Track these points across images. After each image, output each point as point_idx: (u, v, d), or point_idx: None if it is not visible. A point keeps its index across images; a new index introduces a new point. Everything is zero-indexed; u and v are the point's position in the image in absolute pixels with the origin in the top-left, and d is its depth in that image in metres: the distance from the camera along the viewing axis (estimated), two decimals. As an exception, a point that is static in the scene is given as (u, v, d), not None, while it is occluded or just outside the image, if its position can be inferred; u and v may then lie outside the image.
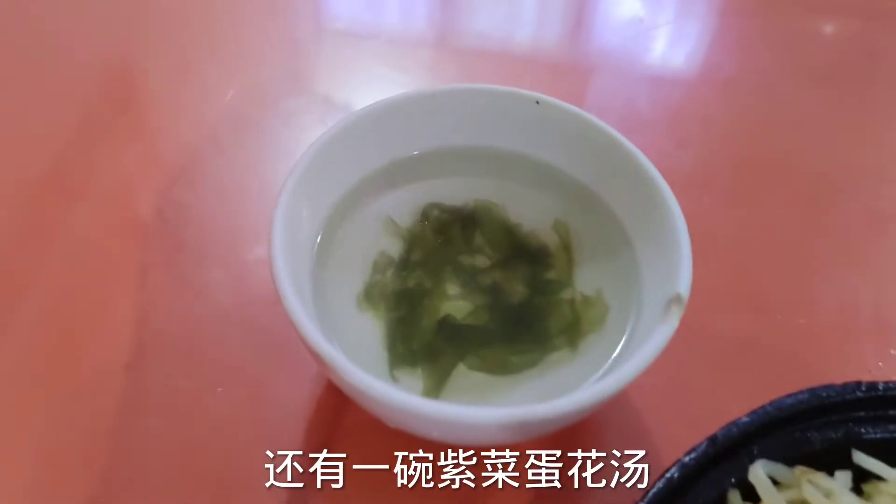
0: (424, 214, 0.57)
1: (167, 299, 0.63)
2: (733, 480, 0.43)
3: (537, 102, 0.56)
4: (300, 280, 0.50)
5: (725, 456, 0.44)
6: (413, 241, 0.56)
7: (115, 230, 0.68)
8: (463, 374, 0.50)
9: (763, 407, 0.44)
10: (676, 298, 0.46)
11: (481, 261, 0.55)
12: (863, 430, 0.45)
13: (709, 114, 0.84)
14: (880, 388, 0.46)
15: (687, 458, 0.43)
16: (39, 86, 0.80)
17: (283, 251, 0.47)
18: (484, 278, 0.55)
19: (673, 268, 0.47)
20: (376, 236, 0.56)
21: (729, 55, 0.94)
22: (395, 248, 0.56)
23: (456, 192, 0.59)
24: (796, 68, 0.89)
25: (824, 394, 0.45)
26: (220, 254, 0.67)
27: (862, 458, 0.44)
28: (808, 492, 0.42)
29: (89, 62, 0.84)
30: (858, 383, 0.45)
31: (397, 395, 0.42)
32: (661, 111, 0.84)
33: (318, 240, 0.54)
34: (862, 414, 0.46)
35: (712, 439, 0.43)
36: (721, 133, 0.81)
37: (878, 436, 0.45)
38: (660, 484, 0.42)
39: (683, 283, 0.46)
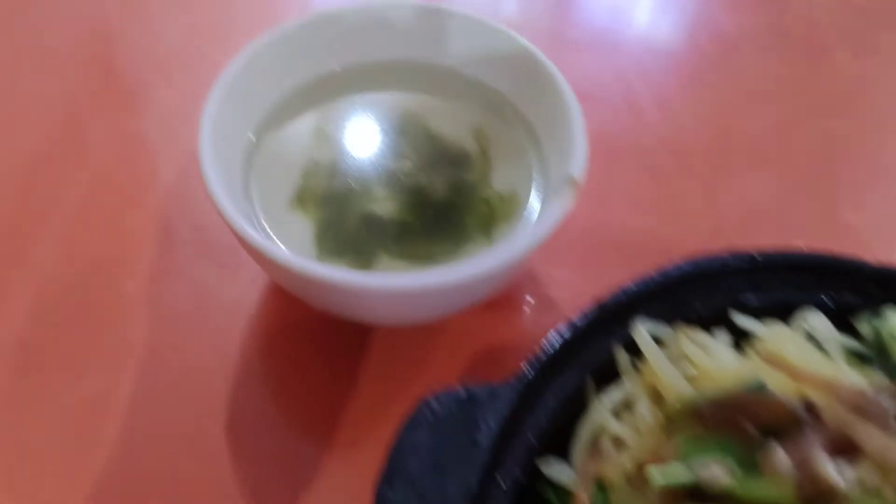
0: (353, 124, 0.61)
1: (116, 217, 0.66)
2: (621, 341, 0.48)
3: (451, 15, 0.60)
4: (232, 184, 0.54)
5: (614, 319, 0.48)
6: (342, 148, 0.60)
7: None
8: (385, 263, 0.54)
9: (650, 275, 0.49)
10: (570, 181, 0.50)
11: (406, 165, 0.60)
12: (743, 297, 0.50)
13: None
14: (759, 258, 0.50)
15: (578, 321, 0.47)
16: (24, 62, 0.80)
17: (213, 151, 0.51)
18: (408, 181, 0.59)
19: (570, 158, 0.52)
20: (307, 145, 0.60)
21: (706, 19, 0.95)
22: (325, 156, 0.60)
23: (383, 103, 0.63)
24: (763, 34, 0.89)
25: (706, 264, 0.50)
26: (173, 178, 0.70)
27: (740, 319, 0.48)
28: (686, 345, 0.47)
29: (74, 36, 0.84)
30: (739, 254, 0.50)
31: (317, 268, 0.46)
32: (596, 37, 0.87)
33: (250, 149, 0.58)
34: (743, 282, 0.50)
35: (601, 304, 0.48)
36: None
37: (758, 303, 0.50)
38: (552, 346, 0.46)
39: (577, 167, 0.51)
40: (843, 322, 0.48)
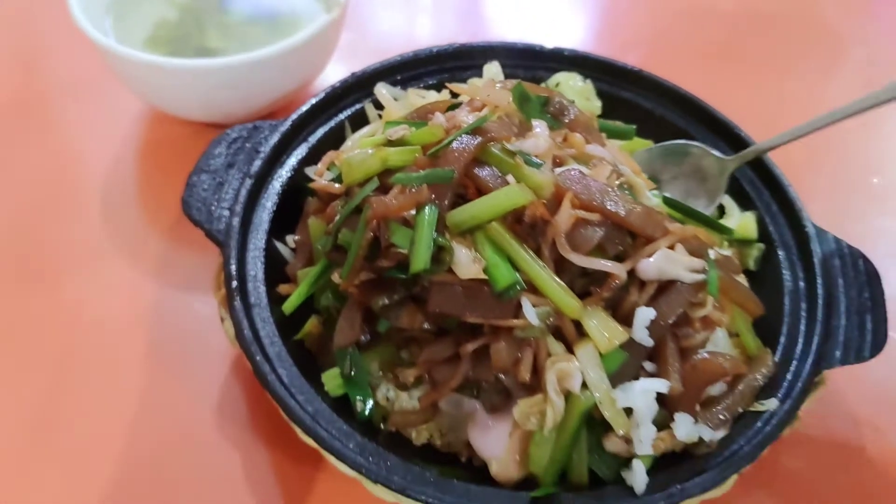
0: (196, -7, 0.82)
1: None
2: (370, 100, 0.69)
3: None
4: (95, 17, 0.73)
5: (366, 85, 0.69)
6: (185, 8, 0.80)
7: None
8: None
9: (392, 57, 0.70)
10: (338, 3, 0.71)
11: (231, 19, 0.80)
12: (459, 74, 0.71)
13: None
14: (469, 47, 0.71)
15: (336, 84, 0.68)
16: None
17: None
18: (235, 28, 0.79)
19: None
20: (158, 7, 0.80)
21: None
22: (172, 15, 0.80)
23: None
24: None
25: (431, 50, 0.71)
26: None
27: (452, 84, 0.69)
28: (413, 98, 0.68)
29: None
30: (451, 44, 0.71)
31: (124, 48, 0.67)
32: None
33: (112, 13, 0.78)
34: (460, 64, 0.71)
35: (354, 73, 0.68)
36: None
37: (467, 77, 0.71)
38: (318, 97, 0.67)
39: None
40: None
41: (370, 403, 0.53)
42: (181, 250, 0.72)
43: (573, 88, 0.69)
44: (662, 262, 0.50)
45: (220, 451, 0.60)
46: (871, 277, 0.57)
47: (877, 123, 0.88)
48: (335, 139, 0.67)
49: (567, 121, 0.58)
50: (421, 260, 0.49)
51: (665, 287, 0.51)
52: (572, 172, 0.52)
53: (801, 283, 0.59)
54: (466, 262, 0.49)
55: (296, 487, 0.58)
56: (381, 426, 0.55)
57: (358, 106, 0.68)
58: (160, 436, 0.60)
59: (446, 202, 0.51)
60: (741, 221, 0.62)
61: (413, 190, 0.52)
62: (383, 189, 0.54)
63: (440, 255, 0.50)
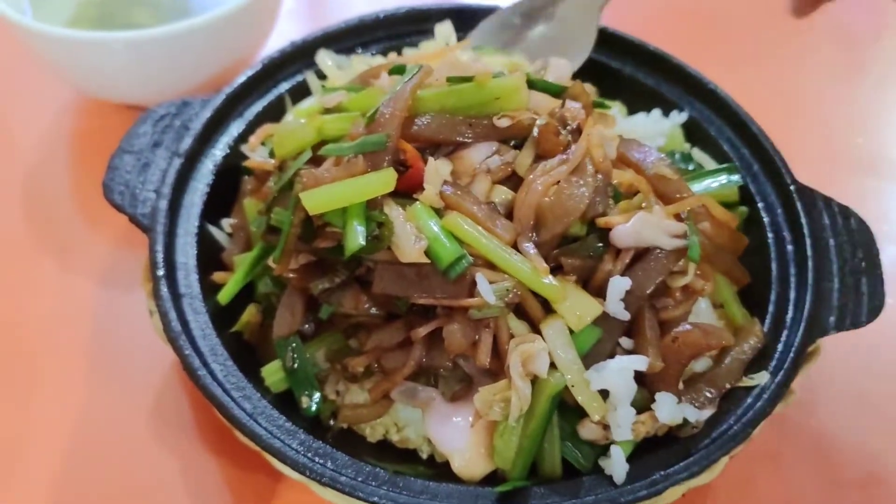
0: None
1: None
2: (312, 70, 0.63)
3: None
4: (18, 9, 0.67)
5: (305, 56, 0.63)
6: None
7: None
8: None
9: (335, 24, 0.64)
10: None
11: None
12: (405, 40, 0.66)
13: None
14: (405, 9, 0.66)
15: (274, 54, 0.62)
16: None
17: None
18: (165, 5, 0.74)
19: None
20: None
21: None
22: (94, -1, 0.74)
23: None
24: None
25: (372, 16, 0.65)
26: None
27: (407, 51, 0.64)
28: (357, 64, 0.62)
29: None
30: (399, 7, 0.66)
31: (46, 27, 0.61)
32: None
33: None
34: (407, 28, 0.66)
35: (293, 42, 0.63)
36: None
37: (418, 42, 0.65)
38: (254, 68, 0.61)
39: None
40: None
41: (317, 398, 0.47)
42: (121, 247, 0.66)
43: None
44: (640, 226, 0.45)
45: (158, 459, 0.54)
46: (864, 236, 0.53)
47: (857, 82, 0.83)
48: (275, 114, 0.61)
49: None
50: (354, 239, 0.43)
51: (641, 254, 0.46)
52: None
53: (789, 247, 0.54)
54: (407, 241, 0.43)
55: (244, 497, 0.53)
56: (332, 423, 0.49)
57: (299, 77, 0.63)
58: (91, 445, 0.55)
59: (386, 172, 0.46)
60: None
61: (348, 161, 0.46)
62: (318, 162, 0.49)
63: (380, 232, 0.44)
